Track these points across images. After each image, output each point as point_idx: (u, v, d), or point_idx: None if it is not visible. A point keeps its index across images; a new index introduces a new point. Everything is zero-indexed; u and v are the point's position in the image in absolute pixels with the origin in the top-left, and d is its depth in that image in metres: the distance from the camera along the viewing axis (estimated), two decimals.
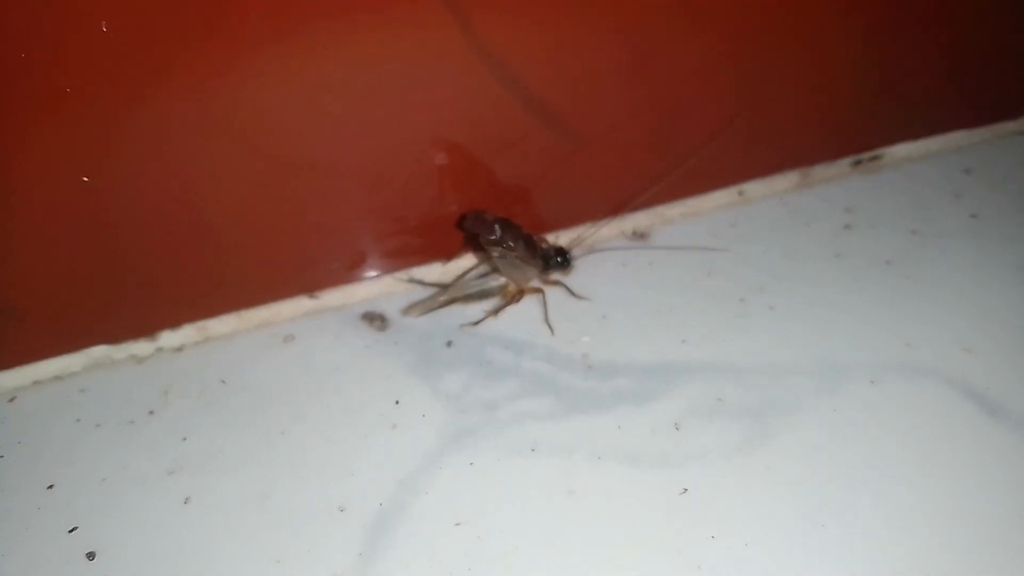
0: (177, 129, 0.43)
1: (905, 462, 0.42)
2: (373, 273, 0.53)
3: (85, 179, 0.43)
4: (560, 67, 0.47)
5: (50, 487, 0.44)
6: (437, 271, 0.54)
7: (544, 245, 0.51)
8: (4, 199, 0.42)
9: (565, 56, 0.47)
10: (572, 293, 0.51)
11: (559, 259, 0.50)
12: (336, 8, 0.41)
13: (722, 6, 0.48)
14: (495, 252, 0.47)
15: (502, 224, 0.47)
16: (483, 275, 0.51)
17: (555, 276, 0.51)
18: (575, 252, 0.51)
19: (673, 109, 0.52)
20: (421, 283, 0.53)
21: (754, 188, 0.57)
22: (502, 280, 0.50)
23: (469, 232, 0.49)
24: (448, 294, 0.50)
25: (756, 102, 0.54)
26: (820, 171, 0.59)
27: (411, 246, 0.53)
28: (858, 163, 0.60)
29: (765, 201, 0.57)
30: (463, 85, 0.47)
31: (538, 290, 0.50)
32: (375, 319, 0.51)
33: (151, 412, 0.46)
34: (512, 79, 0.47)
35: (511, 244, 0.47)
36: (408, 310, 0.51)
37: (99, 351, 0.49)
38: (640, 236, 0.55)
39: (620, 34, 0.47)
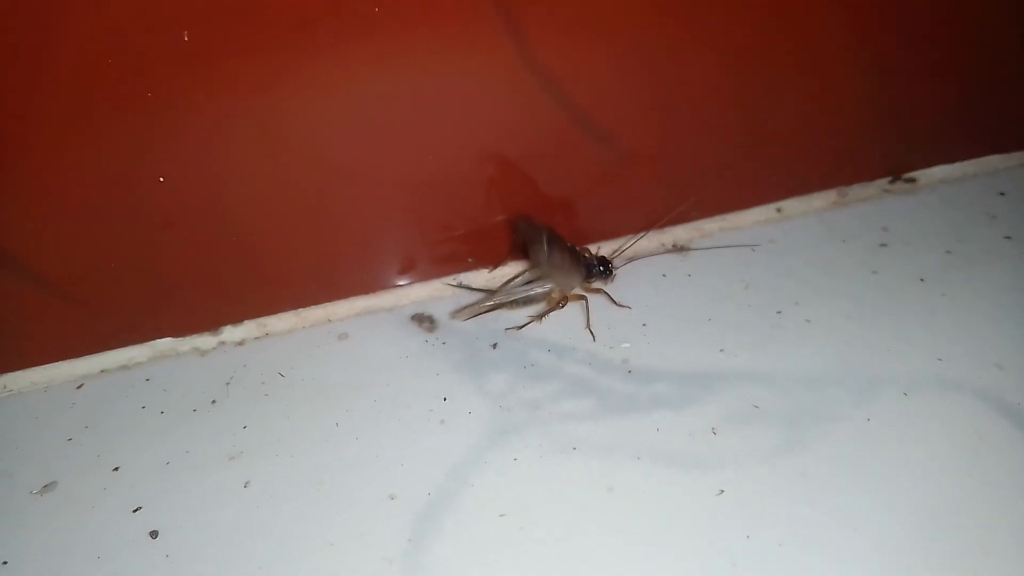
0: (240, 136, 0.46)
1: (936, 473, 0.43)
2: (422, 277, 0.56)
3: (161, 179, 0.45)
4: (608, 85, 0.50)
5: (116, 469, 0.46)
6: (484, 277, 0.56)
7: (587, 255, 0.53)
8: (85, 198, 0.45)
9: (613, 74, 0.49)
10: (613, 301, 0.53)
11: (601, 268, 0.52)
12: (396, 23, 0.44)
13: (762, 34, 0.51)
14: (542, 259, 0.49)
15: (549, 232, 0.49)
16: (528, 282, 0.53)
17: (597, 284, 0.53)
18: (616, 262, 0.53)
19: (714, 128, 0.54)
20: (469, 288, 0.55)
21: (792, 205, 0.59)
22: (547, 287, 0.52)
23: (518, 238, 0.51)
24: (494, 299, 0.52)
25: (794, 123, 0.56)
26: (857, 190, 0.60)
27: (458, 253, 0.55)
28: (894, 183, 0.61)
29: (803, 218, 0.59)
30: (513, 99, 0.49)
31: (581, 297, 0.52)
32: (424, 320, 0.53)
33: (213, 401, 0.49)
34: (562, 94, 0.49)
35: (558, 252, 0.49)
36: (456, 313, 0.53)
37: (164, 343, 0.52)
38: (680, 249, 0.57)
39: (666, 56, 0.50)
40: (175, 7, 0.40)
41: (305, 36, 0.42)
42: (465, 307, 0.53)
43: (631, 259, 0.55)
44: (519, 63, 0.47)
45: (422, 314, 0.54)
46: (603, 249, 0.56)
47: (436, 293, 0.56)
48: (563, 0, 0.45)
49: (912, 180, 0.61)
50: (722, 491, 0.42)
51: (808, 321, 0.51)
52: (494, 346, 0.52)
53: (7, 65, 0.40)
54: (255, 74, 0.44)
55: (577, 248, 0.52)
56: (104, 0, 0.39)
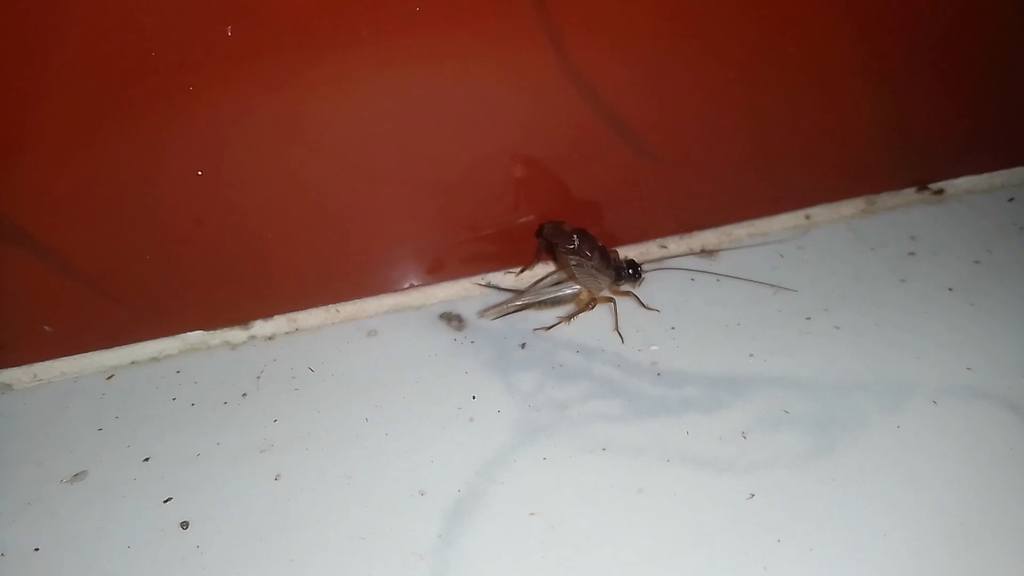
0: (275, 134, 0.46)
1: (965, 481, 0.43)
2: (450, 277, 0.56)
3: (199, 173, 0.46)
4: (643, 91, 0.50)
5: (146, 460, 0.46)
6: (512, 278, 0.56)
7: (616, 257, 0.53)
8: (122, 191, 0.46)
9: (649, 81, 0.50)
10: (642, 304, 0.53)
11: (630, 271, 0.52)
12: (437, 23, 0.44)
13: (794, 46, 0.51)
14: (572, 260, 0.49)
15: (580, 234, 0.49)
16: (557, 283, 0.53)
17: (626, 287, 0.53)
18: (645, 266, 0.53)
19: (746, 135, 0.54)
20: (497, 288, 0.55)
21: (821, 212, 0.59)
22: (575, 288, 0.52)
23: (548, 240, 0.51)
24: (523, 299, 0.53)
25: (823, 131, 0.56)
26: (885, 199, 0.61)
27: (487, 253, 0.56)
28: (922, 193, 0.61)
29: (831, 225, 0.59)
30: (548, 101, 0.49)
31: (609, 299, 0.52)
32: (452, 319, 0.54)
33: (244, 394, 0.49)
34: (597, 98, 0.49)
35: (588, 253, 0.49)
36: (485, 312, 0.53)
37: (195, 336, 0.53)
38: (708, 253, 0.57)
39: (702, 63, 0.50)
40: (223, 3, 0.40)
41: (349, 34, 0.43)
42: (493, 306, 0.53)
43: (659, 262, 0.55)
44: (556, 66, 0.47)
45: (450, 313, 0.54)
46: (631, 252, 0.56)
47: (464, 292, 0.56)
48: (603, 7, 0.45)
49: (940, 190, 0.61)
50: (753, 495, 0.43)
51: (837, 328, 0.51)
52: (522, 346, 0.52)
53: (55, 63, 0.40)
54: (296, 72, 0.44)
55: (607, 249, 0.52)
56: None
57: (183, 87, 0.43)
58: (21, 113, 0.41)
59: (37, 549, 0.42)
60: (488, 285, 0.56)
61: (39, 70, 0.40)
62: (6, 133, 0.42)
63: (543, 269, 0.56)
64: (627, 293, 0.53)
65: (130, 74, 0.41)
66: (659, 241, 0.56)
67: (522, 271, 0.56)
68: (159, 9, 0.40)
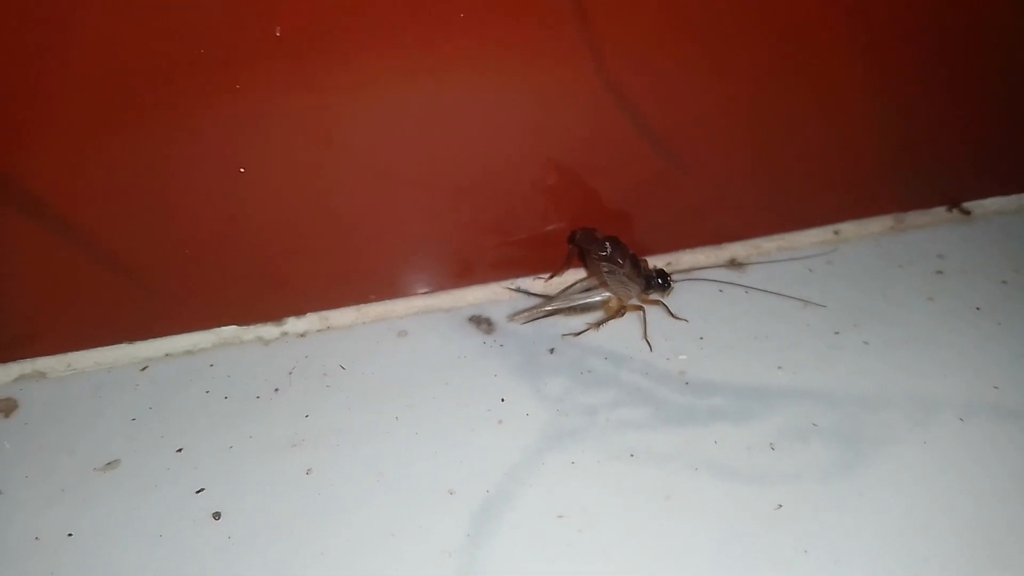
0: (313, 135, 0.47)
1: (991, 499, 0.43)
2: (480, 280, 0.56)
3: (242, 170, 0.46)
4: (679, 103, 0.51)
5: (179, 450, 0.47)
6: (542, 283, 0.57)
7: (646, 266, 0.53)
8: (166, 185, 0.46)
9: (685, 93, 0.50)
10: (670, 313, 0.53)
11: (660, 280, 0.52)
12: (480, 29, 0.45)
13: (831, 63, 0.51)
14: (604, 267, 0.50)
15: (613, 241, 0.50)
16: (587, 289, 0.54)
17: (655, 296, 0.53)
18: (674, 276, 0.53)
19: (777, 150, 0.55)
20: (527, 293, 0.56)
21: (849, 228, 0.60)
22: (605, 295, 0.53)
23: (580, 247, 0.52)
24: (553, 305, 0.53)
25: (855, 148, 0.56)
26: (914, 217, 0.61)
27: (517, 258, 0.56)
28: (951, 212, 0.62)
29: (860, 242, 0.59)
30: (584, 109, 0.50)
31: (639, 308, 0.53)
32: (481, 322, 0.54)
33: (276, 389, 0.50)
34: (633, 107, 0.50)
35: (620, 261, 0.50)
36: (515, 316, 0.54)
37: (229, 331, 0.53)
38: (737, 265, 0.57)
39: (737, 78, 0.50)
40: (272, 3, 0.41)
41: (395, 38, 0.43)
42: (523, 311, 0.54)
43: (688, 272, 0.55)
44: (594, 74, 0.48)
45: (479, 316, 0.55)
46: (659, 262, 0.56)
47: (494, 296, 0.56)
48: (644, 18, 0.46)
49: (968, 211, 0.62)
50: (780, 505, 0.43)
51: (866, 343, 0.51)
52: (551, 351, 0.52)
53: (112, 60, 0.41)
54: (337, 74, 0.45)
55: (638, 259, 0.53)
56: None
57: (230, 85, 0.43)
58: (74, 107, 0.42)
59: (70, 535, 0.43)
60: (518, 290, 0.56)
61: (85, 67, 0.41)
62: (57, 125, 0.43)
63: (573, 275, 0.57)
64: (656, 302, 0.53)
65: (177, 67, 0.42)
66: (688, 251, 0.56)
67: (551, 277, 0.57)
68: (214, 5, 0.41)
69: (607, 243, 0.50)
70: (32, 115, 0.42)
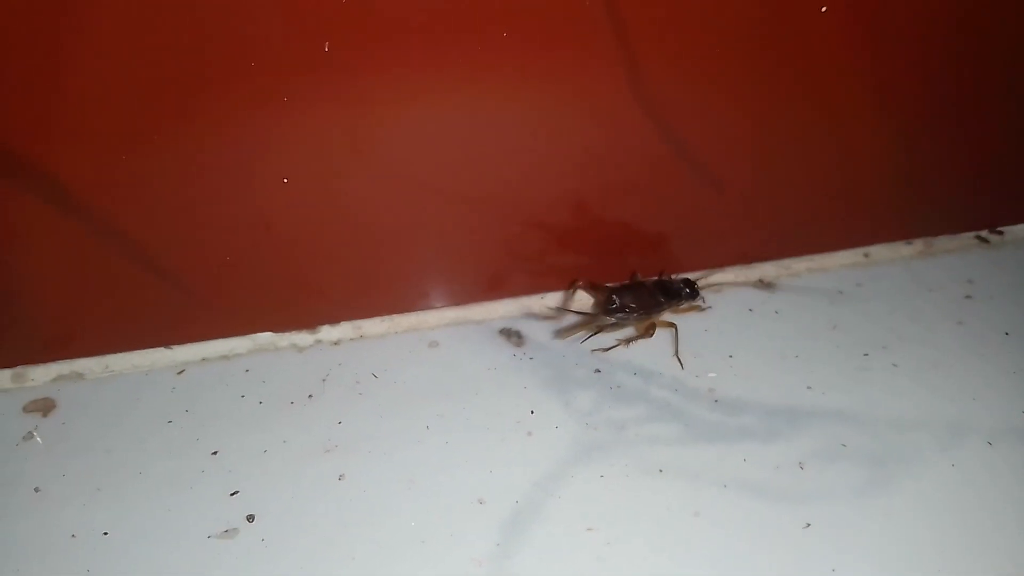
0: (353, 148, 0.47)
1: (1019, 522, 0.43)
2: (511, 294, 0.57)
3: (285, 180, 0.47)
4: (713, 123, 0.51)
5: (214, 453, 0.48)
6: (578, 300, 0.57)
7: (671, 281, 0.54)
8: (211, 192, 0.47)
9: (720, 114, 0.51)
10: (677, 353, 0.53)
11: (687, 290, 0.53)
12: (522, 46, 0.45)
13: (862, 90, 0.52)
14: (620, 317, 0.51)
15: (618, 292, 0.51)
16: None
17: (686, 305, 0.54)
18: (701, 284, 0.54)
19: (809, 172, 0.55)
20: (560, 310, 0.56)
21: (879, 251, 0.60)
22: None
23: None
24: (595, 323, 0.53)
25: (886, 173, 0.57)
26: (943, 242, 0.61)
27: (548, 272, 0.57)
28: (980, 238, 0.62)
29: (889, 265, 0.59)
30: (619, 127, 0.50)
31: (671, 324, 0.53)
32: (512, 335, 0.55)
33: (310, 396, 0.51)
34: (668, 126, 0.50)
35: (632, 305, 0.51)
36: (559, 333, 0.55)
37: (264, 337, 0.54)
38: (767, 285, 0.58)
39: (772, 99, 0.51)
40: (322, 19, 0.42)
41: (441, 56, 0.44)
42: (567, 328, 0.55)
43: (718, 289, 0.56)
44: (629, 92, 0.49)
45: (510, 329, 0.55)
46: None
47: (523, 310, 0.57)
48: (681, 37, 0.47)
49: (999, 234, 0.62)
50: (809, 524, 0.43)
51: (895, 366, 0.52)
52: (580, 365, 0.53)
53: (165, 69, 0.42)
54: (380, 90, 0.45)
55: (657, 279, 0.54)
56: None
57: (278, 97, 0.45)
58: (124, 111, 0.43)
59: (106, 533, 0.44)
60: (558, 309, 0.57)
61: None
62: (106, 127, 0.44)
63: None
64: (691, 309, 0.54)
65: (231, 79, 0.43)
66: (718, 270, 0.56)
67: (562, 310, 0.57)
68: (266, 20, 0.42)
69: (613, 296, 0.51)
70: (83, 117, 0.43)
